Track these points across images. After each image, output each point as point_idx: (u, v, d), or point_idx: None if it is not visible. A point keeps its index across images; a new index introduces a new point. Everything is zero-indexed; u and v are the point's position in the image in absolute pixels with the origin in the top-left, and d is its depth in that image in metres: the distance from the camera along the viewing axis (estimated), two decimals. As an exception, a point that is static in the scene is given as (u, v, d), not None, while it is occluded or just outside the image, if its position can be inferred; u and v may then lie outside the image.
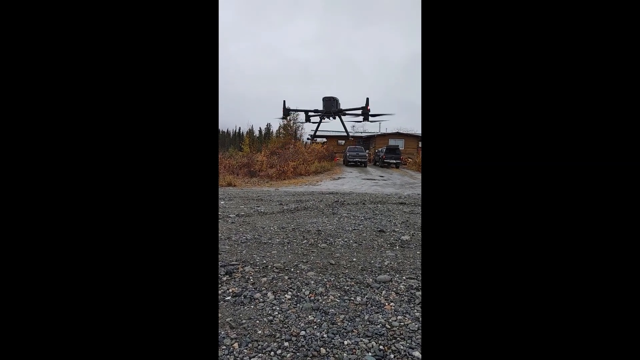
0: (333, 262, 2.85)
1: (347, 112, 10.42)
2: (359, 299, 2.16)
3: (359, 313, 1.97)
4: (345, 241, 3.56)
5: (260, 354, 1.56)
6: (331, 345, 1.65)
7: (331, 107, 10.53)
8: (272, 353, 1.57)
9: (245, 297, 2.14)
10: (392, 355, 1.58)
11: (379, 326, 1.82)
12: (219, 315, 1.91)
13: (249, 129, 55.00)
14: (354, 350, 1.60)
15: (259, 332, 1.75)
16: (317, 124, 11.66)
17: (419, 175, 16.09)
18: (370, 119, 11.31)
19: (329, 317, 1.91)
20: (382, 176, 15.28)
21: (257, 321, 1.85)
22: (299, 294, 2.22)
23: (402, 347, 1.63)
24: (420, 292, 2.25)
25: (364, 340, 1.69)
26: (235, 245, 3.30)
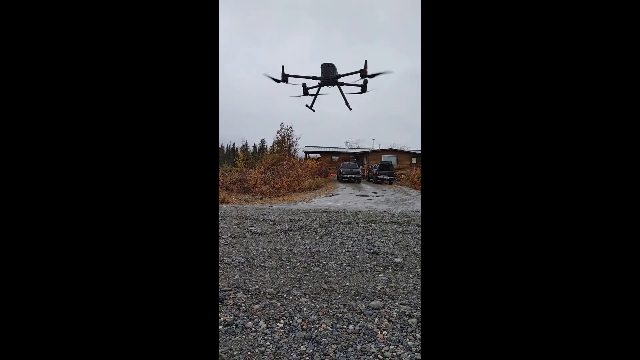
0: (326, 287, 2.85)
1: (346, 76, 10.40)
2: (351, 327, 2.15)
3: (351, 343, 1.96)
4: (339, 264, 3.55)
5: (251, 389, 1.54)
6: (323, 378, 1.63)
7: (329, 74, 10.54)
8: (263, 388, 1.55)
9: (237, 326, 2.12)
10: (384, 389, 1.57)
11: (371, 357, 1.82)
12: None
13: (243, 145, 55.05)
14: (346, 384, 1.59)
15: (251, 364, 1.73)
16: (315, 93, 11.48)
17: (412, 192, 16.20)
18: (369, 86, 11.17)
19: (321, 347, 1.90)
20: (376, 192, 15.35)
21: (249, 352, 1.84)
22: (291, 322, 2.20)
23: (394, 380, 1.63)
24: (412, 320, 2.25)
25: (356, 372, 1.68)
26: (228, 269, 3.28)
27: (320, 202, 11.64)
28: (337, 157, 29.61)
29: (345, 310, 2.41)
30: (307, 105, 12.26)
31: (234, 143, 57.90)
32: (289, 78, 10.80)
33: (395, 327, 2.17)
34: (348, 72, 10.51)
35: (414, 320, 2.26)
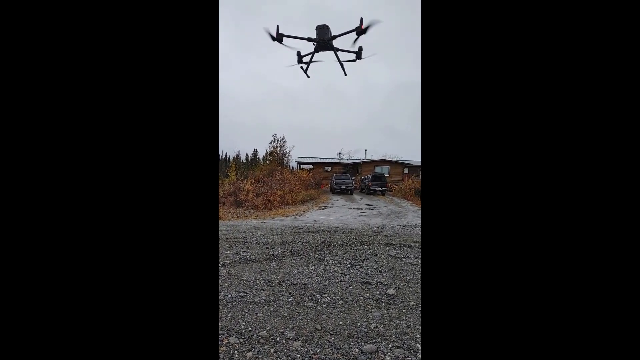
0: (319, 328, 2.84)
1: (341, 36, 10.20)
2: (345, 378, 2.15)
3: (345, 398, 1.96)
4: (332, 298, 3.55)
5: None
6: None
7: (325, 35, 10.38)
8: None
9: (229, 380, 2.10)
10: None
11: (365, 416, 1.81)
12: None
13: (236, 155, 54.84)
14: None
15: None
16: (310, 56, 11.27)
17: (404, 203, 16.31)
18: (364, 49, 10.97)
19: (315, 404, 1.89)
20: (369, 204, 15.41)
21: (242, 413, 1.82)
22: (284, 373, 2.19)
23: None
24: (405, 367, 2.26)
25: None
26: (221, 307, 3.24)
27: (313, 215, 11.63)
28: (330, 168, 29.73)
29: (339, 355, 2.41)
30: (301, 68, 11.92)
31: (226, 153, 57.55)
32: (284, 38, 10.54)
33: (388, 376, 2.17)
34: (343, 31, 10.27)
35: (407, 367, 2.26)
